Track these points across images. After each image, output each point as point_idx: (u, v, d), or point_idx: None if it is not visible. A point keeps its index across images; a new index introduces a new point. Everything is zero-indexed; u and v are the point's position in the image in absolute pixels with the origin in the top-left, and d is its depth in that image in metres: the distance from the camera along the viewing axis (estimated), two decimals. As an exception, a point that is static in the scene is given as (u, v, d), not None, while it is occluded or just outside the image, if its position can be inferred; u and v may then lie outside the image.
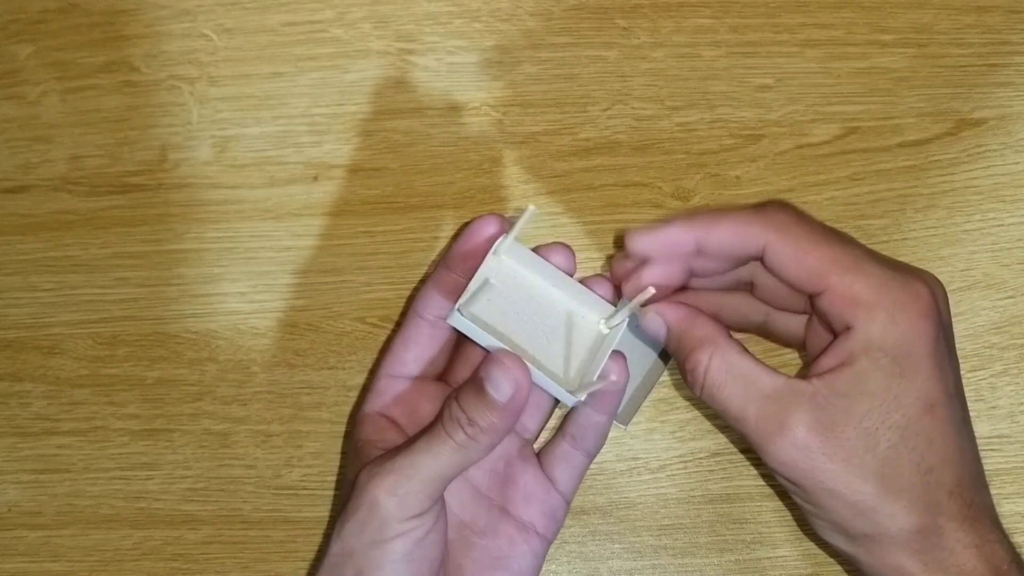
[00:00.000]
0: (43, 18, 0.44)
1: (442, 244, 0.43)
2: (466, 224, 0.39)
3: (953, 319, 0.42)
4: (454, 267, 0.38)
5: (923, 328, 0.33)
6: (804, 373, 0.34)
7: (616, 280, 0.38)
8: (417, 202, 0.43)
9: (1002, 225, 0.43)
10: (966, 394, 0.42)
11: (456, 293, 0.37)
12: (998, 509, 0.41)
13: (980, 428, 0.42)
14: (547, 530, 0.38)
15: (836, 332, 0.35)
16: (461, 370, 0.40)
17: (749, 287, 0.38)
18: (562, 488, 0.39)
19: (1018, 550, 0.34)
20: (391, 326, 0.43)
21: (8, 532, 0.43)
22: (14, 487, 0.43)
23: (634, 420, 0.42)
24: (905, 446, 0.33)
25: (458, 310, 0.36)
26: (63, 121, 0.44)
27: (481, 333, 0.36)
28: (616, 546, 0.42)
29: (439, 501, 0.35)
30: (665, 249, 0.36)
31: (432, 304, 0.38)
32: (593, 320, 0.38)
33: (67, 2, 0.44)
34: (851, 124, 0.43)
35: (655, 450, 0.42)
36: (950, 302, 0.42)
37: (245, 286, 0.43)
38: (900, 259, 0.42)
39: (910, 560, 0.33)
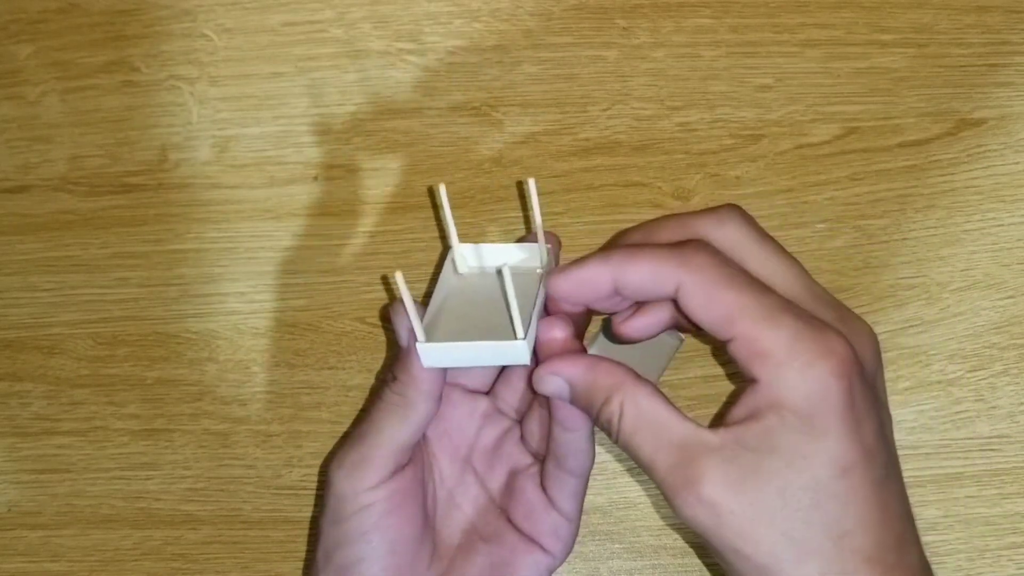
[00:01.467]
0: (43, 18, 0.44)
1: (442, 244, 0.43)
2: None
3: (953, 319, 0.42)
4: None
5: (834, 386, 0.30)
6: (716, 423, 0.32)
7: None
8: (417, 202, 0.43)
9: (1002, 225, 0.43)
10: (966, 394, 0.42)
11: None
12: (998, 509, 0.41)
13: (980, 428, 0.42)
14: (551, 547, 0.37)
15: (746, 381, 0.33)
16: (499, 387, 0.39)
17: None
18: (560, 507, 0.37)
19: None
20: (391, 326, 0.43)
21: (8, 532, 0.43)
22: (14, 487, 0.43)
23: (634, 420, 0.42)
24: (816, 509, 0.30)
25: (419, 346, 0.34)
26: (63, 121, 0.44)
27: (455, 356, 0.35)
28: (616, 546, 0.42)
29: (400, 477, 0.35)
30: (583, 290, 0.35)
31: None
32: (529, 271, 0.36)
33: (67, 2, 0.44)
34: (851, 124, 0.43)
35: (655, 450, 0.42)
36: (949, 302, 0.42)
37: (245, 286, 0.43)
38: (900, 259, 0.42)
39: None
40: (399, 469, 0.36)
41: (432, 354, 0.34)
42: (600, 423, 0.33)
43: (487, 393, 0.40)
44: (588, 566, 0.42)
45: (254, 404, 0.43)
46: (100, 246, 0.44)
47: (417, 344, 0.34)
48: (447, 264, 0.37)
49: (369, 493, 0.34)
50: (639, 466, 0.33)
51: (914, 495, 0.41)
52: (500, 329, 0.35)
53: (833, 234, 0.43)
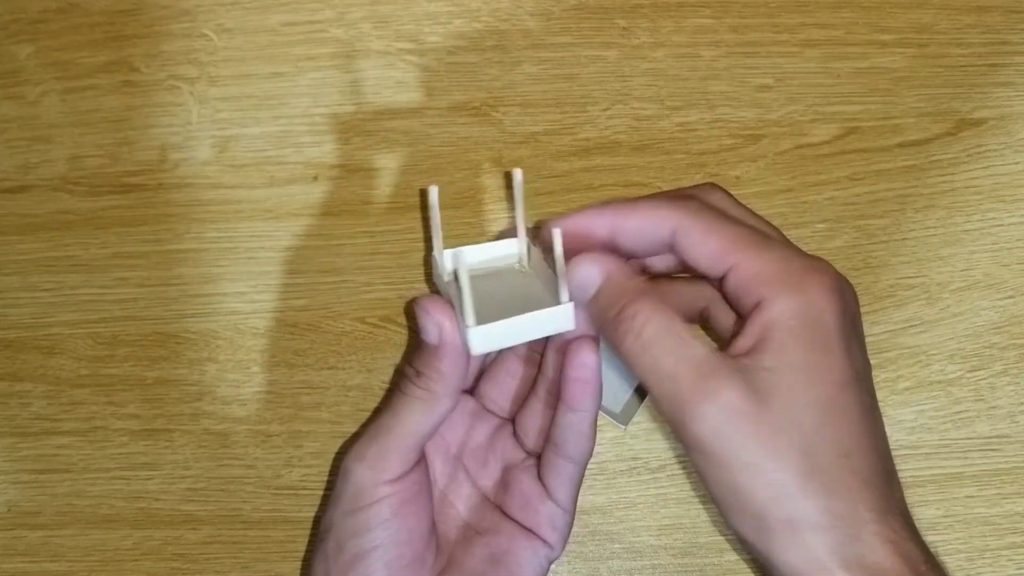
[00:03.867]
0: (43, 18, 0.44)
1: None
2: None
3: (953, 319, 0.42)
4: None
5: (830, 300, 0.32)
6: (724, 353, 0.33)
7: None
8: (417, 202, 0.43)
9: (1002, 225, 0.43)
10: (966, 394, 0.42)
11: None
12: (998, 509, 0.41)
13: (980, 428, 0.42)
14: (549, 537, 0.38)
15: (745, 314, 0.34)
16: (485, 386, 0.40)
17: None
18: (556, 497, 0.37)
19: (934, 551, 0.32)
20: (391, 326, 0.43)
21: (8, 532, 0.43)
22: (14, 487, 0.43)
23: (634, 420, 0.42)
24: (826, 425, 0.31)
25: (472, 331, 0.34)
26: (63, 121, 0.44)
27: (505, 335, 0.35)
28: (616, 546, 0.42)
29: (417, 470, 0.36)
30: (579, 237, 0.36)
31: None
32: (508, 267, 0.37)
33: (67, 2, 0.44)
34: (851, 124, 0.43)
35: (655, 450, 0.42)
36: (948, 302, 0.43)
37: (245, 286, 0.43)
38: (900, 259, 0.43)
39: (828, 555, 0.31)
40: (416, 462, 0.36)
41: (482, 337, 0.34)
42: (617, 323, 0.33)
43: (471, 392, 0.40)
44: (588, 566, 0.42)
45: (254, 404, 0.43)
46: (100, 246, 0.44)
47: (470, 329, 0.34)
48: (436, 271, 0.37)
49: (389, 485, 0.35)
50: (649, 375, 0.33)
51: (914, 495, 0.41)
52: (532, 304, 0.35)
53: (833, 234, 0.43)
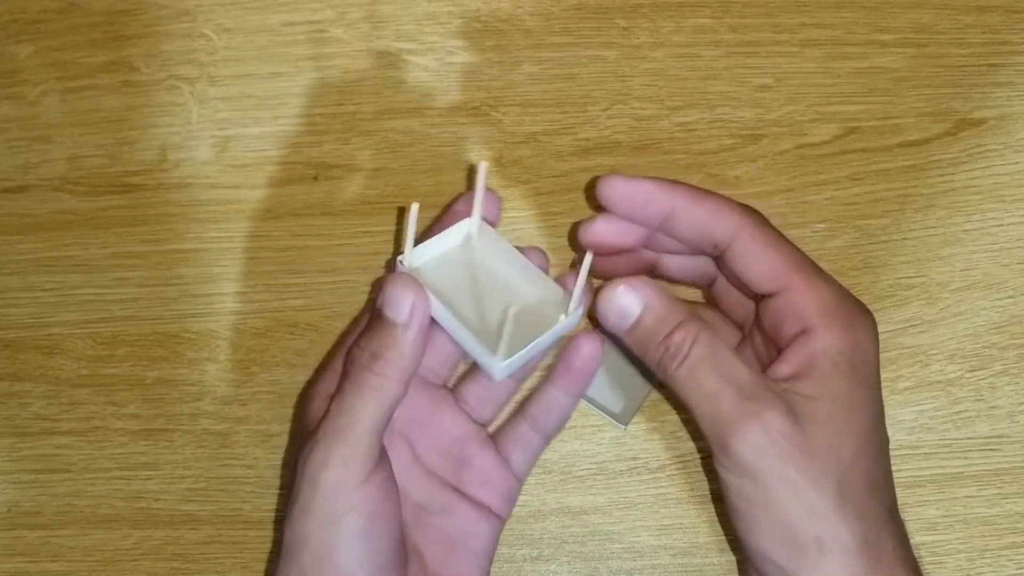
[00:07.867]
0: (43, 18, 0.44)
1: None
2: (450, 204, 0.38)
3: (953, 319, 0.42)
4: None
5: (872, 342, 0.34)
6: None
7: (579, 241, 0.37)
8: (417, 202, 0.43)
9: (1002, 225, 0.43)
10: (966, 394, 0.42)
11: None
12: (998, 509, 0.42)
13: (980, 428, 0.42)
14: (502, 510, 0.38)
15: (778, 339, 0.34)
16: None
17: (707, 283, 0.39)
18: (518, 470, 0.38)
19: None
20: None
21: (8, 532, 0.43)
22: (14, 487, 0.43)
23: (634, 420, 0.42)
24: (861, 455, 0.33)
25: (400, 262, 0.35)
26: (63, 121, 0.44)
27: (521, 359, 0.35)
28: (616, 546, 0.42)
29: (382, 468, 0.34)
30: (636, 202, 0.35)
31: None
32: (552, 311, 0.36)
33: (67, 2, 0.44)
34: (851, 124, 0.43)
35: (655, 450, 0.42)
36: (948, 302, 0.43)
37: (245, 286, 0.43)
38: (900, 259, 0.43)
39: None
40: (381, 455, 0.34)
41: (506, 368, 0.34)
42: (663, 347, 0.34)
43: None
44: (588, 566, 0.42)
45: (254, 404, 0.43)
46: (100, 246, 0.44)
47: (496, 365, 0.34)
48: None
49: (361, 489, 0.33)
50: (693, 397, 0.33)
51: (914, 495, 0.41)
52: (546, 315, 0.35)
53: (833, 234, 0.43)
